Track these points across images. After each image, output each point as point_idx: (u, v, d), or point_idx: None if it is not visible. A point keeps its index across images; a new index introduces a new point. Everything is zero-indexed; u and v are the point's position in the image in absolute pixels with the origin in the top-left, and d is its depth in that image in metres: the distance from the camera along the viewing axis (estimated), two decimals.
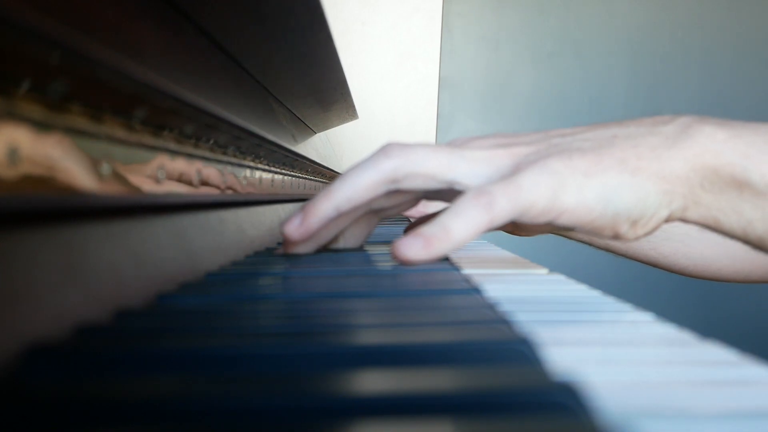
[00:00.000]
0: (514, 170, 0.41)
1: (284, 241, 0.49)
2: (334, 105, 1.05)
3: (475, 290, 0.36)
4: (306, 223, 0.46)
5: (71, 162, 0.27)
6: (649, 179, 0.40)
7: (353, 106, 1.13)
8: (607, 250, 0.71)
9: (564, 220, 0.41)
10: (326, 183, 1.23)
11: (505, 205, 0.39)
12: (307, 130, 1.02)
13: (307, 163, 0.88)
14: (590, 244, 0.73)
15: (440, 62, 1.84)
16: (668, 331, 0.28)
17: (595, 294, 0.38)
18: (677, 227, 0.69)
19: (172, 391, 0.18)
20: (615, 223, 0.41)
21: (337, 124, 1.28)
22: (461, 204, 0.39)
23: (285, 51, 0.66)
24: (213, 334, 0.26)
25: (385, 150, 0.44)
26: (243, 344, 0.23)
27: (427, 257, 0.38)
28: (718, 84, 1.86)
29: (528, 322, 0.29)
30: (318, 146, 1.08)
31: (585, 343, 0.26)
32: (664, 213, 0.41)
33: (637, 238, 0.42)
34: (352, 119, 1.26)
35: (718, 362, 0.23)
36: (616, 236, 0.42)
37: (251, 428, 0.16)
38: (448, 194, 0.46)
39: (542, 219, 0.40)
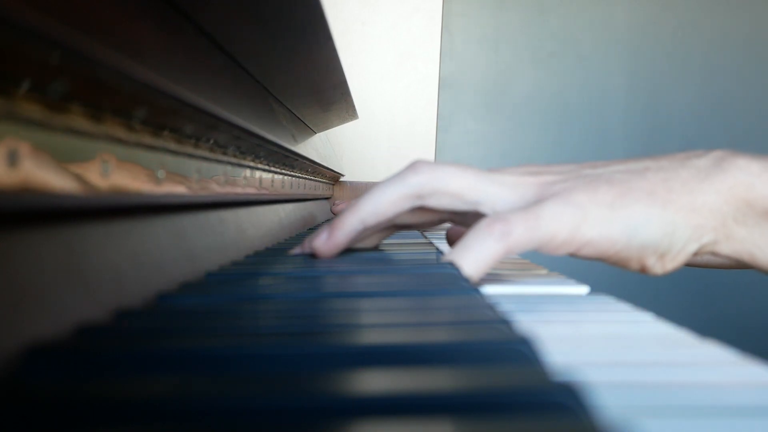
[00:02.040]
0: (538, 199, 0.41)
1: (313, 255, 0.49)
2: (334, 105, 1.05)
3: (475, 290, 0.36)
4: (333, 238, 0.47)
5: (71, 162, 0.27)
6: (679, 212, 0.40)
7: (353, 106, 1.12)
8: None
9: (587, 252, 0.40)
10: (326, 183, 1.23)
11: (523, 234, 0.39)
12: (307, 130, 1.02)
13: (307, 163, 0.88)
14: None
15: (440, 62, 1.84)
16: (667, 330, 0.28)
17: (594, 294, 0.38)
18: None
19: (172, 391, 0.18)
20: (641, 255, 0.40)
21: (337, 124, 1.28)
22: (475, 233, 0.39)
23: (285, 51, 0.66)
24: (213, 334, 0.26)
25: (414, 166, 0.44)
26: (243, 344, 0.23)
27: None
28: (719, 84, 1.86)
29: (528, 322, 0.29)
30: (318, 146, 1.08)
31: (585, 343, 0.26)
32: (693, 247, 0.40)
33: (665, 273, 0.41)
34: (352, 119, 1.26)
35: (717, 362, 0.23)
36: (644, 269, 0.41)
37: (251, 428, 0.16)
38: (473, 218, 0.44)
39: (564, 251, 0.40)
